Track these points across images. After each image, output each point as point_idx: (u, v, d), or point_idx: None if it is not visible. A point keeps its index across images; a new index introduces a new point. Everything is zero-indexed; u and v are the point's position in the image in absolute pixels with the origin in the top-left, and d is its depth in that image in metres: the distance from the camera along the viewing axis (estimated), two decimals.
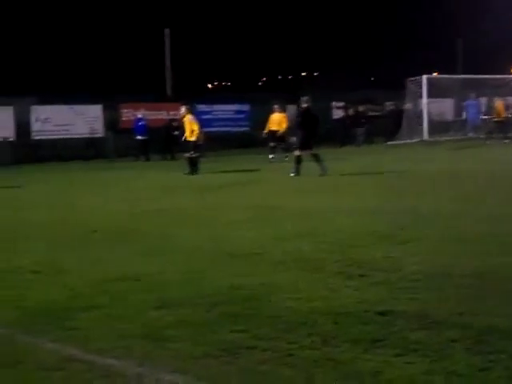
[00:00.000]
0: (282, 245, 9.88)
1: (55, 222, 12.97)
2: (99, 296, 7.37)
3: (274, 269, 8.42)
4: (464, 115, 39.56)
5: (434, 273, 7.93)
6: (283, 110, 30.60)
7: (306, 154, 21.03)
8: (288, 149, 27.36)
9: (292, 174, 20.86)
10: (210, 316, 6.56)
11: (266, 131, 29.87)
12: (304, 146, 21.19)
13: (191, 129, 23.68)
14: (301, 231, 10.95)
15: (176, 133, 31.71)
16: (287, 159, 26.66)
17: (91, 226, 12.22)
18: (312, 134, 21.31)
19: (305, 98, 21.90)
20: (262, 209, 13.84)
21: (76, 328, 6.35)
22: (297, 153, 21.24)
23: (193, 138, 23.54)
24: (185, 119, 24.24)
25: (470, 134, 38.46)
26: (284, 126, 29.27)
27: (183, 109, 24.47)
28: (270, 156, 28.69)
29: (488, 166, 21.64)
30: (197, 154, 23.56)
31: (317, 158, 20.85)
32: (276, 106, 30.13)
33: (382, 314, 6.46)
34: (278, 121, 29.49)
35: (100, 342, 5.95)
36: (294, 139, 26.58)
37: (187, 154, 23.71)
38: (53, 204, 16.03)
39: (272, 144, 29.21)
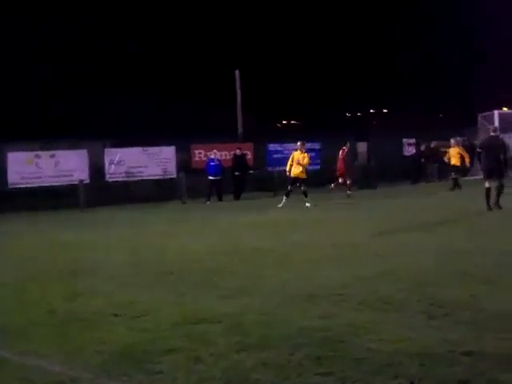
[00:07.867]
0: (362, 284, 9.76)
1: (132, 264, 12.97)
2: (180, 339, 7.35)
3: (355, 309, 8.31)
4: None
5: None
6: (459, 144, 33.46)
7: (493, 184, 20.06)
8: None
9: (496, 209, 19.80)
10: (293, 359, 6.48)
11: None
12: (489, 174, 20.15)
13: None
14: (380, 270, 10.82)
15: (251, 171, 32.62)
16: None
17: (168, 266, 12.23)
18: (496, 162, 20.04)
19: (493, 127, 21.92)
20: (339, 248, 13.72)
21: (159, 372, 6.33)
22: (486, 184, 20.07)
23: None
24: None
25: None
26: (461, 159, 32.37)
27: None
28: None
29: None
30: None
31: (500, 190, 19.87)
32: (455, 140, 33.21)
33: (467, 354, 6.30)
34: (456, 154, 32.24)
35: None
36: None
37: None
38: (128, 245, 16.08)
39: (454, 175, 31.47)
